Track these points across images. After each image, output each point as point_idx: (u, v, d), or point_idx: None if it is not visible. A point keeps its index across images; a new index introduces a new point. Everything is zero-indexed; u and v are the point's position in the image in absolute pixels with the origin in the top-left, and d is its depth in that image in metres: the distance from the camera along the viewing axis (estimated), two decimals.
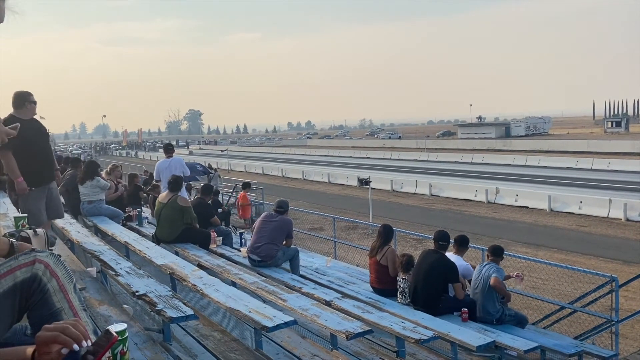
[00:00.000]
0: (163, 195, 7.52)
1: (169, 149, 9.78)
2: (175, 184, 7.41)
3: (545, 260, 9.58)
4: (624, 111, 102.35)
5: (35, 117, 5.20)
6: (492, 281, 5.93)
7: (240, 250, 7.28)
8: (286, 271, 6.62)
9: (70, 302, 1.52)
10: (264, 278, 5.51)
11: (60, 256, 1.69)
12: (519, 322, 6.21)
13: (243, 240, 8.13)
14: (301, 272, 6.83)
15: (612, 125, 75.16)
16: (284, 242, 6.75)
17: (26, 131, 5.10)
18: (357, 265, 10.00)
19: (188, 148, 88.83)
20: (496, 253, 6.30)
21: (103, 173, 9.92)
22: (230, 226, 11.04)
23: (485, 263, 6.29)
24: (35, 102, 5.05)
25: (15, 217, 4.70)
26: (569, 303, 8.17)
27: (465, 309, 5.67)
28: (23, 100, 5.01)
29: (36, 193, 5.15)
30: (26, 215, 4.77)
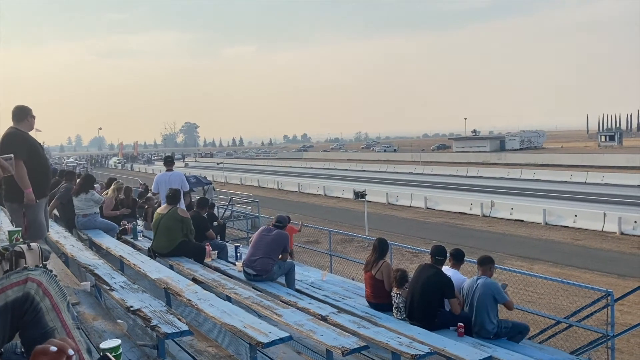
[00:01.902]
0: (162, 207, 7.51)
1: (169, 162, 9.69)
2: (173, 197, 7.41)
3: (541, 275, 9.57)
4: (617, 125, 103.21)
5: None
6: (507, 307, 6.12)
7: (235, 264, 7.25)
8: (282, 285, 6.59)
9: (63, 321, 1.49)
10: (259, 292, 5.48)
11: (52, 272, 1.66)
12: (520, 332, 6.12)
13: (238, 254, 8.11)
14: (297, 287, 6.79)
15: (605, 139, 75.65)
16: (280, 256, 6.72)
17: (33, 143, 5.12)
18: (353, 279, 9.96)
19: (184, 161, 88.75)
20: (484, 263, 6.19)
21: (110, 190, 9.91)
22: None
23: (476, 277, 6.20)
24: (34, 117, 5.08)
25: (9, 231, 4.67)
26: (564, 317, 8.14)
27: (462, 324, 5.64)
28: (25, 114, 5.04)
29: (41, 204, 5.16)
30: (20, 229, 4.76)
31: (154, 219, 7.58)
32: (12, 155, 1.59)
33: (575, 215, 21.51)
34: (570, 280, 10.11)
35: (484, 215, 24.64)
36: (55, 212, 9.40)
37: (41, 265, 3.71)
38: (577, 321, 7.80)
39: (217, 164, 69.16)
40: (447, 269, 6.37)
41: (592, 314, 7.90)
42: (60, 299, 1.52)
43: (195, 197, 12.32)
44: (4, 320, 1.44)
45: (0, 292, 1.46)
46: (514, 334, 6.04)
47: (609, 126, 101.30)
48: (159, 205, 9.98)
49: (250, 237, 13.67)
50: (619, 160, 45.46)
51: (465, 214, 25.50)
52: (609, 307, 7.13)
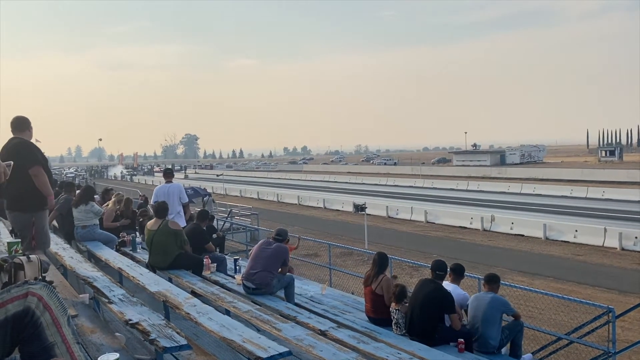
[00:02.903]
0: (151, 222, 7.44)
1: (168, 174, 9.69)
2: (161, 210, 7.36)
3: (542, 291, 9.53)
4: (618, 140, 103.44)
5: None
6: (516, 317, 6.26)
7: (234, 277, 7.21)
8: (281, 299, 6.55)
9: (63, 335, 1.49)
10: (258, 307, 5.45)
11: (53, 284, 1.65)
12: (518, 331, 6.28)
13: (237, 267, 8.07)
14: (296, 300, 6.75)
15: (606, 154, 75.84)
16: (279, 269, 6.69)
17: (40, 152, 5.14)
18: (353, 293, 9.92)
19: (185, 172, 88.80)
20: (492, 281, 6.28)
21: (110, 202, 9.91)
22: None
23: (484, 293, 6.27)
24: (32, 128, 5.12)
25: (8, 242, 4.66)
26: (565, 334, 8.10)
27: (462, 340, 5.61)
28: (27, 125, 5.10)
29: (47, 214, 5.19)
30: (19, 240, 4.74)
31: (146, 236, 7.52)
32: (12, 162, 1.60)
33: (576, 231, 21.49)
34: (570, 296, 10.07)
35: (484, 230, 24.61)
36: (55, 223, 9.38)
37: (40, 277, 3.70)
38: (578, 338, 7.77)
39: (217, 175, 69.19)
40: (447, 284, 6.36)
41: (593, 330, 7.86)
42: (61, 313, 1.51)
43: (195, 209, 12.31)
44: (3, 334, 1.43)
45: (1, 306, 1.45)
46: (514, 335, 6.20)
47: (610, 141, 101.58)
48: None
49: (249, 250, 13.64)
50: (620, 175, 45.53)
51: (465, 228, 25.47)
52: (610, 324, 7.10)
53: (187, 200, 9.65)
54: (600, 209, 28.70)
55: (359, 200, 30.92)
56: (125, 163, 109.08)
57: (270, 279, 6.50)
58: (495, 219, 25.02)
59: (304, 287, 8.08)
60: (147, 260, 7.42)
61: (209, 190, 32.98)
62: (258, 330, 4.66)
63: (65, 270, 6.08)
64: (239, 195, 47.24)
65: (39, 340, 1.45)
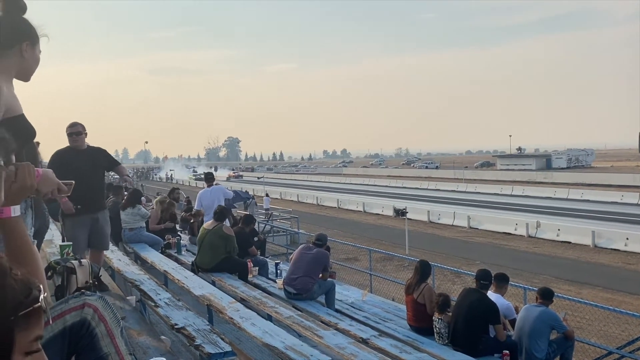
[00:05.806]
0: (208, 223, 7.70)
1: (209, 178, 9.98)
2: (221, 214, 7.64)
3: (591, 302, 9.21)
4: None
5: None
6: (567, 335, 6.11)
7: (276, 282, 7.27)
8: (321, 305, 6.56)
9: (117, 346, 1.53)
10: (299, 312, 5.48)
11: (106, 296, 1.70)
12: (569, 346, 6.16)
13: (279, 271, 8.14)
14: (336, 307, 6.76)
15: None
16: (320, 275, 6.71)
17: (65, 161, 5.19)
18: (393, 299, 9.84)
19: (237, 173, 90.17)
20: (546, 296, 6.13)
21: (153, 203, 10.22)
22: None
23: (533, 304, 6.13)
24: (71, 135, 5.19)
25: (60, 245, 4.84)
26: (617, 348, 7.80)
27: (507, 351, 5.48)
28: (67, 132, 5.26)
29: (80, 221, 5.18)
30: (71, 243, 4.90)
31: (199, 234, 7.74)
32: (73, 181, 1.65)
33: (627, 238, 20.63)
34: (621, 307, 9.71)
35: (530, 236, 23.96)
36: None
37: (91, 281, 3.83)
38: (630, 352, 7.47)
39: (258, 178, 69.95)
40: (490, 294, 6.23)
41: None
42: (115, 325, 1.56)
43: (239, 212, 12.47)
44: (61, 344, 1.49)
45: (60, 317, 1.51)
46: (563, 350, 6.09)
47: None
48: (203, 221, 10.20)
49: (289, 253, 13.73)
50: None
51: (509, 234, 24.87)
52: None
53: (231, 196, 9.96)
54: None
55: (400, 204, 30.66)
56: (191, 165, 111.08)
57: (311, 284, 6.53)
58: (540, 225, 24.32)
59: (344, 292, 8.07)
60: (193, 260, 7.60)
61: (250, 193, 33.32)
62: (299, 336, 4.68)
63: (113, 272, 6.27)
64: (279, 197, 47.57)
65: (94, 351, 1.50)
